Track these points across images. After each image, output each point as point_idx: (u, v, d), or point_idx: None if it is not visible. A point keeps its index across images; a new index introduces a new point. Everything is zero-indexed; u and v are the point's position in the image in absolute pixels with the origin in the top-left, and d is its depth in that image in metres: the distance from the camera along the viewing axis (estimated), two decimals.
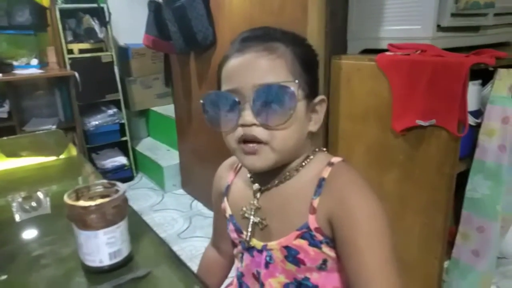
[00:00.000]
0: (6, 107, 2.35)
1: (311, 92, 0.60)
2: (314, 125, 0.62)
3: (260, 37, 0.59)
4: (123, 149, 2.92)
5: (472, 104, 1.11)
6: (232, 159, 0.76)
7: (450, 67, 1.06)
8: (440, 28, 1.20)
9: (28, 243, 0.65)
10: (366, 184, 0.58)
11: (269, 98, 0.55)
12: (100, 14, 2.59)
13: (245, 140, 0.57)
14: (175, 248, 2.05)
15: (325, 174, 0.59)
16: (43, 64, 2.55)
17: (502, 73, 1.09)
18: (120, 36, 2.95)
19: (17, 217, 0.78)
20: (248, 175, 0.69)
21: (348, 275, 0.56)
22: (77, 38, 2.59)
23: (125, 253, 0.57)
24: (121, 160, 2.87)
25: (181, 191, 2.71)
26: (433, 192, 1.19)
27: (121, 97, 2.78)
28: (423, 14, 1.20)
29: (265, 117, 0.56)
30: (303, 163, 0.63)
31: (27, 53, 2.54)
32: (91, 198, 0.60)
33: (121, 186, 0.58)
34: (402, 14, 1.26)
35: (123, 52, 2.92)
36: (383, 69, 1.23)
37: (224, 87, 0.59)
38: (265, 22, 1.63)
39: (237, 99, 0.56)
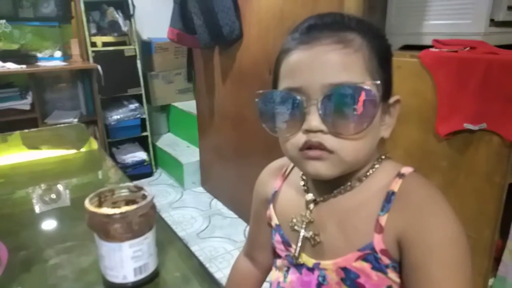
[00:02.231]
0: (29, 99, 2.34)
1: (386, 92, 0.50)
2: (386, 130, 0.53)
3: (331, 25, 0.49)
4: (143, 144, 2.89)
5: None
6: (279, 162, 0.68)
7: (508, 66, 0.96)
8: (493, 22, 1.10)
9: (44, 249, 0.59)
10: (446, 202, 0.49)
11: (343, 102, 0.46)
12: (124, 7, 2.55)
13: (309, 147, 0.48)
14: (194, 248, 2.01)
15: (395, 187, 0.50)
16: (66, 57, 2.53)
17: None
18: (144, 30, 2.91)
19: (37, 209, 0.77)
20: (301, 183, 0.60)
21: None
22: (101, 31, 2.56)
23: (151, 268, 0.50)
24: (141, 155, 2.84)
25: (201, 189, 2.66)
26: (480, 203, 1.09)
27: (143, 91, 2.74)
28: (475, 7, 1.10)
29: (336, 123, 0.46)
30: (368, 173, 0.53)
31: (51, 45, 2.52)
32: (114, 203, 0.53)
33: (148, 191, 0.51)
34: (450, 7, 1.16)
35: (146, 46, 2.88)
36: (427, 67, 1.13)
37: (284, 85, 0.50)
38: (297, 16, 1.55)
39: (301, 101, 0.47)
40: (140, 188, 0.53)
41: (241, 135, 2.08)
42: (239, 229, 2.14)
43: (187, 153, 2.78)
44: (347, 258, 0.52)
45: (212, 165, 2.47)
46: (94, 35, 2.52)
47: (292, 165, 0.65)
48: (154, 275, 0.50)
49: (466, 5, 1.12)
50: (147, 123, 2.81)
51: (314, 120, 0.47)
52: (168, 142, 3.03)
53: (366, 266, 0.50)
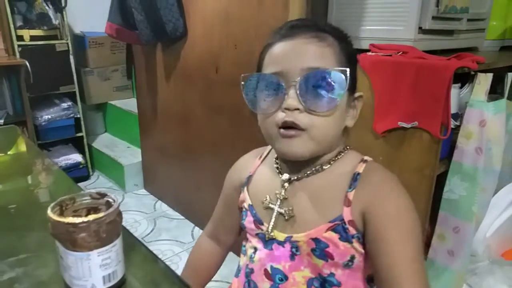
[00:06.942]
0: None
1: (352, 86, 0.59)
2: (351, 120, 0.63)
3: (309, 26, 0.60)
4: (78, 145, 2.73)
5: (452, 107, 1.13)
6: (256, 150, 0.76)
7: (435, 70, 1.07)
8: (421, 30, 1.21)
9: None
10: (399, 182, 0.60)
11: (318, 83, 0.55)
12: None
13: (285, 126, 0.57)
14: None
15: (360, 169, 0.60)
16: None
17: (481, 77, 1.12)
18: (77, 23, 2.73)
19: None
20: (275, 166, 0.68)
21: (378, 272, 0.56)
22: (28, 24, 2.36)
23: (120, 275, 0.49)
24: (76, 157, 2.67)
25: (144, 191, 2.58)
26: (413, 194, 1.17)
27: (76, 89, 2.58)
28: (405, 16, 1.21)
29: (311, 102, 0.55)
30: (336, 158, 0.63)
31: None
32: (75, 212, 0.51)
33: (113, 197, 0.50)
34: (385, 14, 1.26)
35: (80, 41, 2.71)
36: (365, 70, 1.21)
37: (268, 71, 0.59)
38: (243, 17, 1.58)
39: (282, 83, 0.56)
40: (103, 195, 0.51)
41: (186, 134, 2.06)
42: (186, 230, 2.11)
43: (127, 154, 2.67)
44: (318, 229, 0.59)
45: (155, 166, 2.41)
46: (21, 28, 2.31)
47: (267, 151, 0.73)
48: (122, 282, 0.50)
49: (399, 13, 1.22)
50: (82, 122, 2.66)
51: (292, 99, 0.55)
52: (106, 143, 2.89)
53: (334, 236, 0.58)
